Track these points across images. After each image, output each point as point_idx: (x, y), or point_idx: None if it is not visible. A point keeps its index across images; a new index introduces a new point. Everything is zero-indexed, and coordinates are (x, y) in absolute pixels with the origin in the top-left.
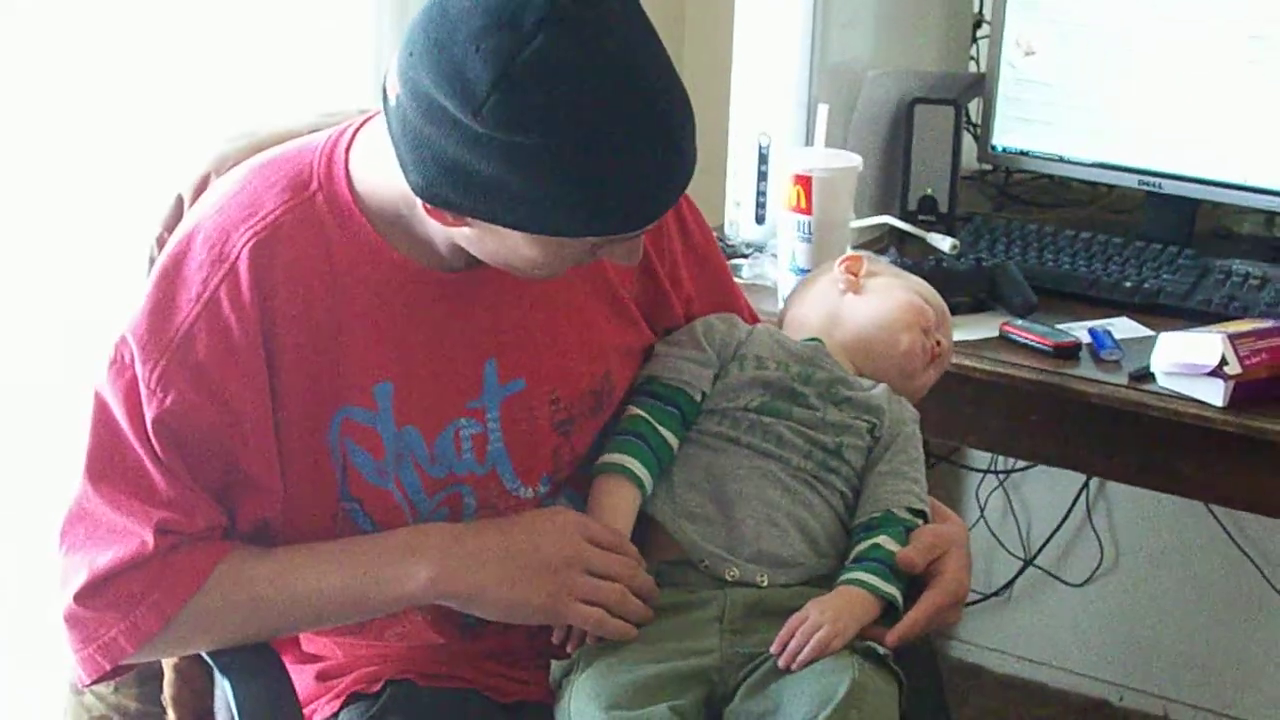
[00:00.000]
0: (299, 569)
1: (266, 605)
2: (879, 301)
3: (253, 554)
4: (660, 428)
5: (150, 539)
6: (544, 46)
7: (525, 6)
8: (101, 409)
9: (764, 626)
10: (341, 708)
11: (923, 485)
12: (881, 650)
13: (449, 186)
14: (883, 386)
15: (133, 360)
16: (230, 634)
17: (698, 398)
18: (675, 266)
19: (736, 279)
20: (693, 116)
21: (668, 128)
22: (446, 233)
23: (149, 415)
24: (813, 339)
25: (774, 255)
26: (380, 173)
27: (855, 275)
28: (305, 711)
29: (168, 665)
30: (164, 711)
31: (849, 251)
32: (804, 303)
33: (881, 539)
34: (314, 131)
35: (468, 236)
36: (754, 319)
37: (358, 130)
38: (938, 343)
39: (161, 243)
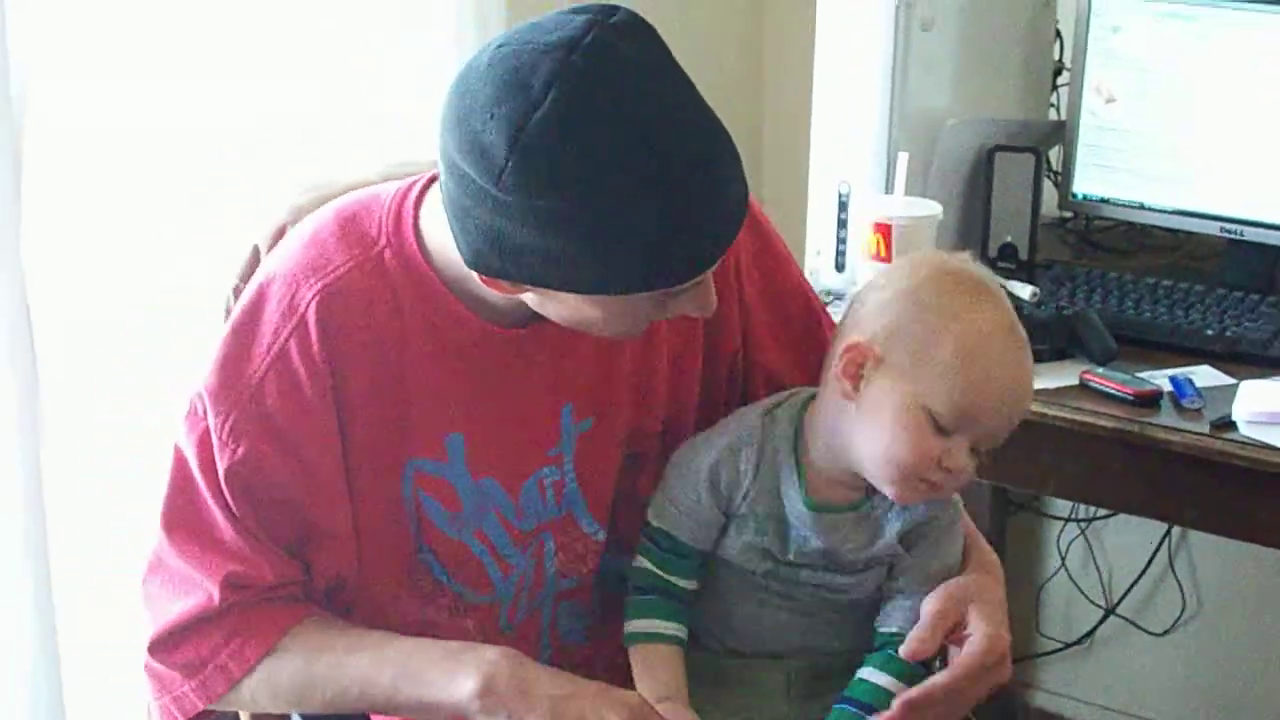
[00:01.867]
0: (360, 654)
1: (324, 684)
2: (869, 428)
3: (322, 629)
4: (672, 578)
5: (217, 593)
6: (553, 108)
7: (535, 69)
8: (178, 461)
9: (830, 690)
10: None
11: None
12: None
13: (495, 256)
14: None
15: (205, 413)
16: (291, 703)
17: (707, 549)
18: (740, 274)
19: None
20: (730, 153)
21: (700, 166)
22: (510, 297)
23: (221, 467)
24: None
25: None
26: (447, 231)
27: (853, 381)
28: None
29: (244, 716)
30: None
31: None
32: (824, 378)
33: (867, 672)
34: (386, 181)
35: (532, 301)
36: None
37: (427, 185)
38: (948, 470)
39: (238, 293)
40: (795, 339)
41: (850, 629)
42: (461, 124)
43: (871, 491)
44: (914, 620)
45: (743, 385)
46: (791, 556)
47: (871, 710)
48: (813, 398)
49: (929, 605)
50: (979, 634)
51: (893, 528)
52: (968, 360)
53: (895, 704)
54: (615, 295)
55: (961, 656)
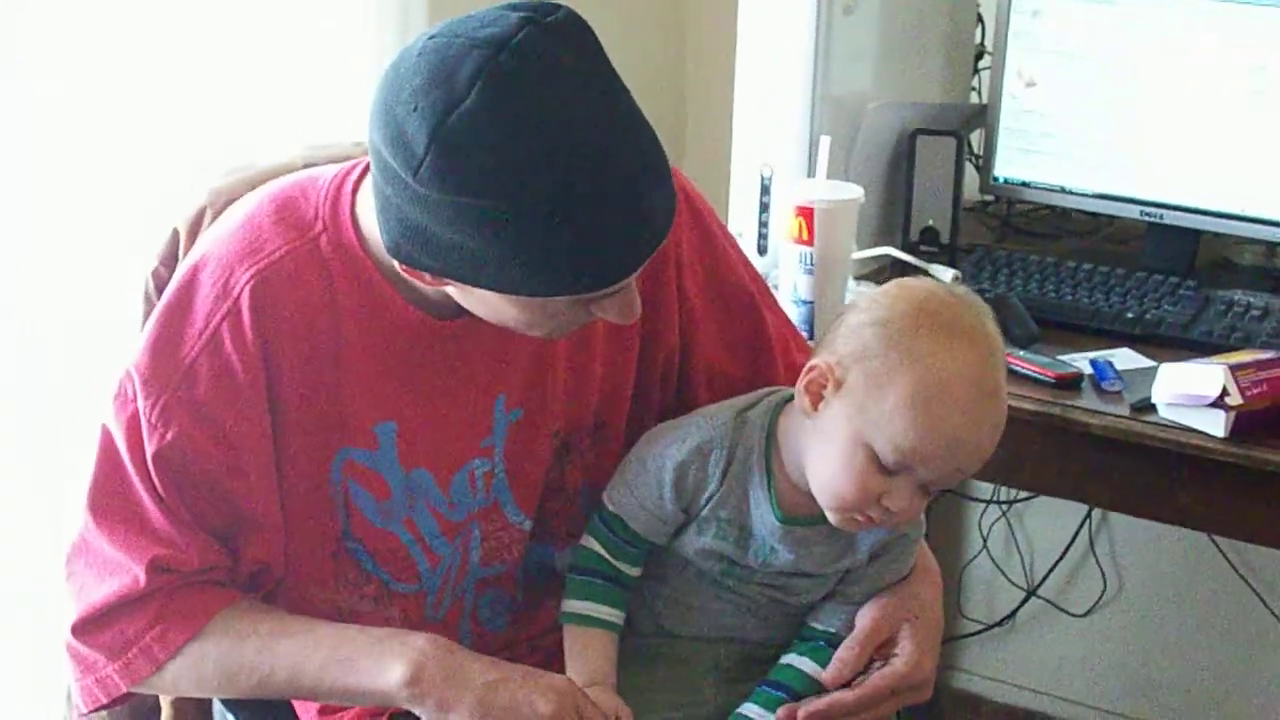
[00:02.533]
0: (286, 639)
1: (249, 669)
2: (819, 451)
3: (249, 614)
4: (619, 564)
5: (142, 576)
6: (475, 106)
7: (462, 64)
8: (106, 442)
9: (759, 674)
10: None
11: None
12: None
13: (413, 247)
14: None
15: (135, 395)
16: (216, 688)
17: (661, 543)
18: (681, 269)
19: None
20: (656, 164)
21: (620, 181)
22: (449, 297)
23: (149, 450)
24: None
25: (776, 286)
26: None
27: (813, 400)
28: None
29: (165, 700)
30: None
31: (855, 287)
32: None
33: (792, 658)
34: (308, 165)
35: (455, 294)
36: (781, 330)
37: (365, 170)
38: (888, 509)
39: (157, 277)
40: (737, 334)
41: (790, 625)
42: (387, 112)
43: None
44: (849, 624)
45: (682, 379)
46: (752, 564)
47: (794, 695)
48: (788, 400)
49: (862, 620)
50: (903, 657)
51: (866, 543)
52: (919, 406)
53: (800, 713)
54: (530, 298)
55: (875, 677)
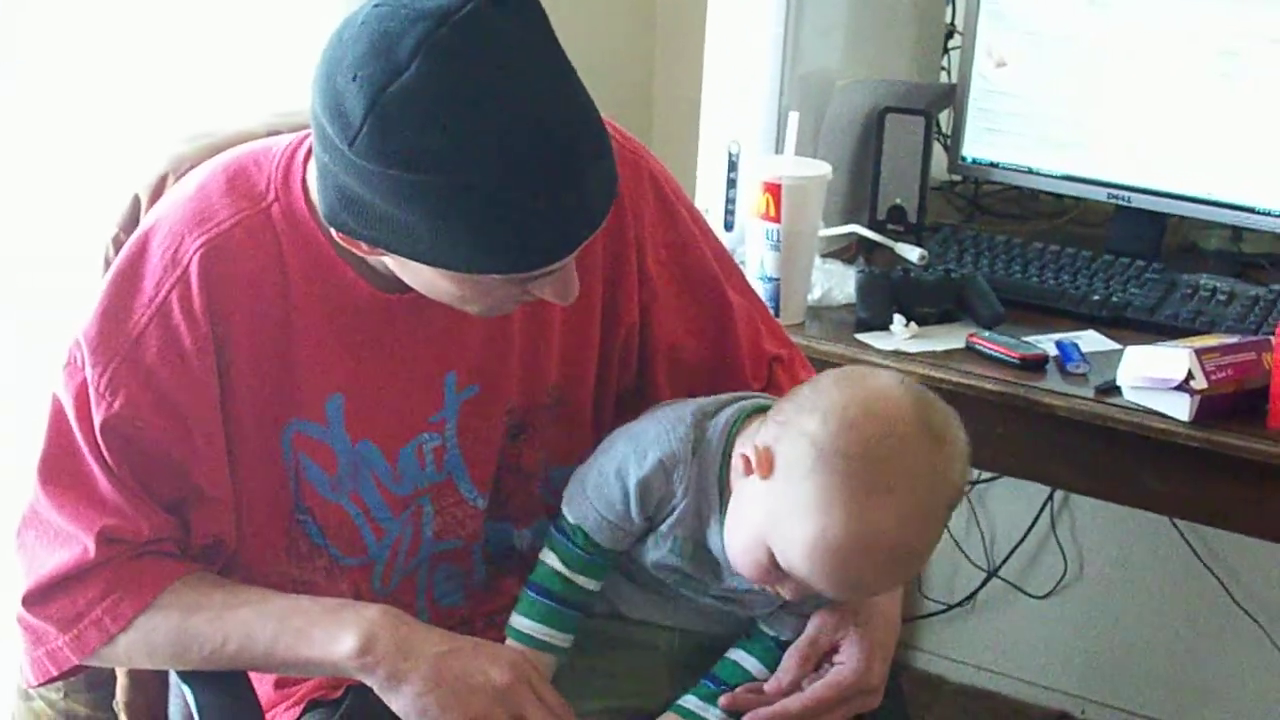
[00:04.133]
0: (238, 610)
1: (201, 640)
2: (734, 516)
3: (200, 585)
4: (578, 578)
5: (92, 546)
6: (414, 78)
7: (403, 36)
8: (56, 412)
9: (712, 662)
10: (301, 715)
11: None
12: None
13: (348, 216)
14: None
15: (84, 363)
16: (167, 659)
17: (622, 550)
18: (643, 248)
19: None
20: (597, 147)
21: (561, 161)
22: (378, 259)
23: (97, 419)
24: None
25: (743, 262)
26: None
27: (745, 468)
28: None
29: (120, 671)
30: (114, 717)
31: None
32: None
33: (739, 654)
34: (272, 132)
35: (393, 266)
36: (747, 313)
37: None
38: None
39: (118, 243)
40: (700, 316)
41: (742, 626)
42: (328, 80)
43: None
44: (800, 630)
45: (642, 360)
46: (705, 580)
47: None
48: (750, 414)
49: (808, 629)
50: (850, 664)
51: None
52: (822, 554)
53: (738, 692)
54: (463, 274)
55: (820, 685)
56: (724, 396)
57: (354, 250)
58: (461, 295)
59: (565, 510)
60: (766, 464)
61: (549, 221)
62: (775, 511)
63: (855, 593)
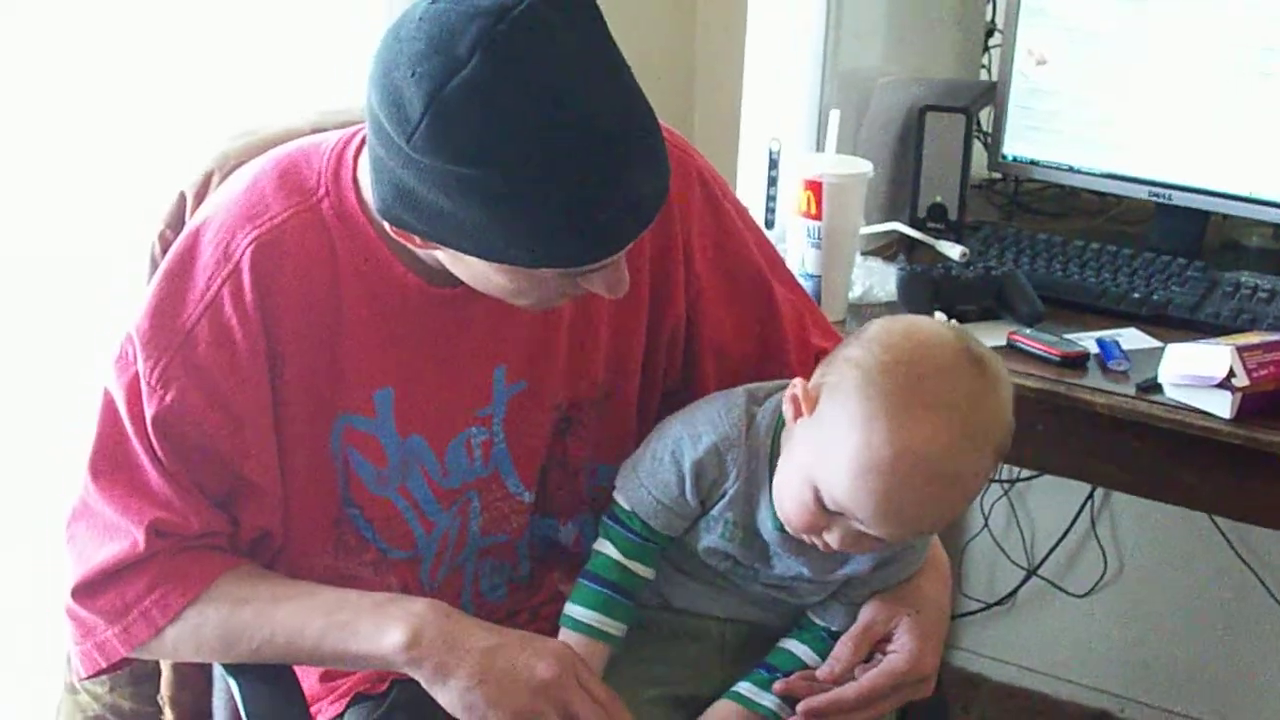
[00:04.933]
0: (285, 604)
1: (248, 634)
2: (783, 467)
3: (248, 579)
4: (634, 564)
5: (142, 539)
6: (473, 75)
7: (462, 32)
8: (107, 405)
9: (762, 653)
10: (346, 708)
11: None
12: None
13: (403, 210)
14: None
15: (136, 357)
16: (215, 652)
17: (676, 536)
18: (689, 246)
19: None
20: (651, 145)
21: (615, 157)
22: (429, 253)
23: (149, 413)
24: None
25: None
26: None
27: (794, 412)
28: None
29: (166, 665)
30: (159, 711)
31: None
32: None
33: (792, 644)
34: (317, 130)
35: (445, 260)
36: (795, 307)
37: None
38: (830, 544)
39: (164, 240)
40: (746, 311)
41: (793, 615)
42: (386, 75)
43: None
44: (851, 621)
45: (688, 355)
46: (757, 566)
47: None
48: None
49: (861, 617)
50: (903, 653)
51: (865, 556)
52: (863, 471)
53: (800, 708)
54: (516, 267)
55: (874, 673)
56: (774, 383)
57: (407, 244)
58: (514, 289)
59: (619, 497)
60: (811, 400)
61: (602, 217)
62: (820, 442)
63: (900, 525)
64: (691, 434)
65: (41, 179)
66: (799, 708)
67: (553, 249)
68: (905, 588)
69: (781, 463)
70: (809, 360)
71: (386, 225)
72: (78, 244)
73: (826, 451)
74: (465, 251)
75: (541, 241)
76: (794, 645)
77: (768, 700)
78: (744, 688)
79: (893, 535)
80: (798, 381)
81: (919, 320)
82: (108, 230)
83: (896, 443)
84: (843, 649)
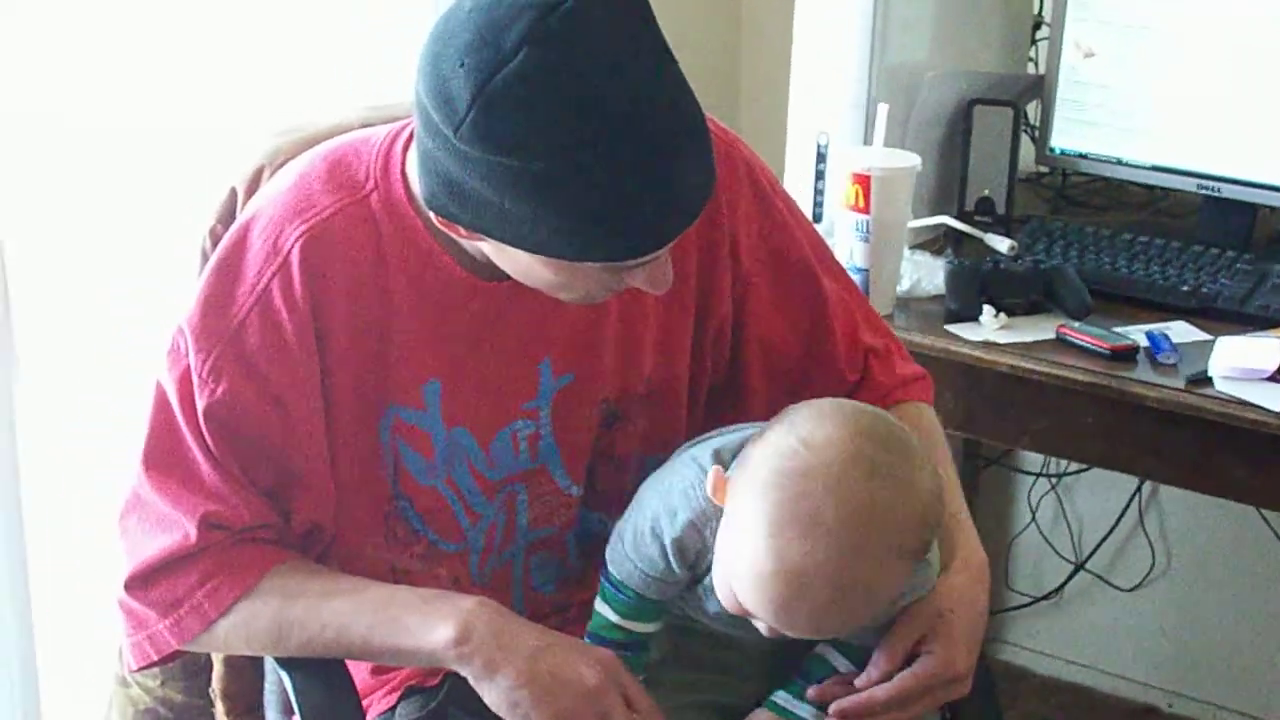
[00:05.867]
0: (336, 598)
1: (299, 627)
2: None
3: (299, 573)
4: (634, 625)
5: (194, 532)
6: (521, 67)
7: (510, 25)
8: (159, 398)
9: (800, 656)
10: (399, 701)
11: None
12: None
13: (450, 201)
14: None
15: (187, 350)
16: (265, 645)
17: (673, 596)
18: (736, 239)
19: None
20: (697, 140)
21: (660, 152)
22: (474, 244)
23: (200, 405)
24: None
25: None
26: None
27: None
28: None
29: (217, 658)
30: (210, 704)
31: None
32: None
33: (827, 650)
34: (365, 125)
35: (490, 251)
36: (845, 304)
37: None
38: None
39: (214, 235)
40: (794, 307)
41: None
42: (434, 66)
43: None
44: (878, 637)
45: (735, 351)
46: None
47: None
48: None
49: (895, 626)
50: (936, 655)
51: None
52: (758, 582)
53: (832, 709)
54: (560, 260)
55: (907, 675)
56: (746, 430)
57: (453, 235)
58: (558, 282)
59: (610, 567)
60: (720, 489)
61: (647, 211)
62: (727, 540)
63: (810, 629)
64: (668, 510)
65: (96, 174)
66: (831, 709)
67: (596, 242)
68: (941, 589)
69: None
70: (858, 358)
71: (432, 216)
72: (131, 239)
73: (730, 552)
74: (509, 243)
75: (585, 235)
76: (829, 652)
77: (803, 710)
78: (780, 697)
79: (809, 635)
80: (715, 469)
81: (831, 416)
82: (160, 225)
83: (778, 561)
84: (879, 656)
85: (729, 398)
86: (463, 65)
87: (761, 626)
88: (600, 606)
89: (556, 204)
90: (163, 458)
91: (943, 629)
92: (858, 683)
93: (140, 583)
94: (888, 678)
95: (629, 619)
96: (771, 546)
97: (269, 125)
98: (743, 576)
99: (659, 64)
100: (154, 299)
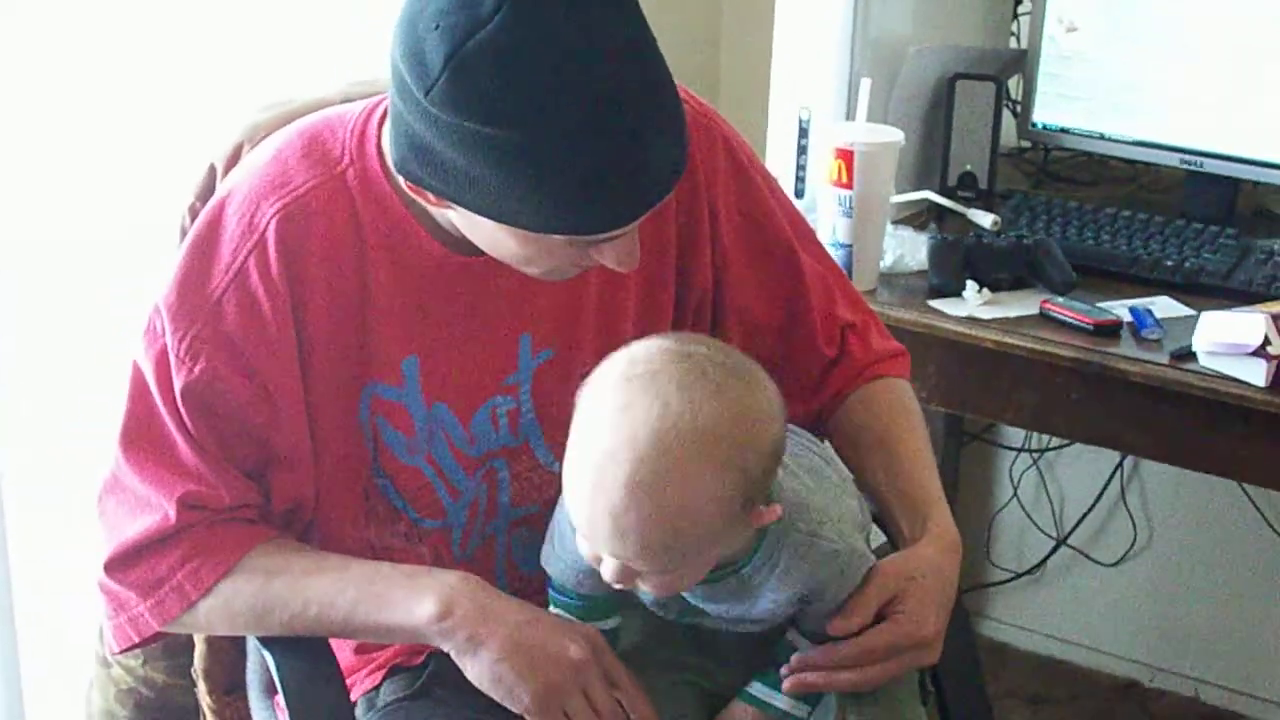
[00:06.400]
0: (318, 576)
1: (281, 606)
2: None
3: (280, 551)
4: (591, 623)
5: (173, 512)
6: (496, 31)
7: None
8: (136, 378)
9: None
10: (383, 680)
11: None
12: None
13: (418, 165)
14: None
15: (164, 330)
16: (248, 625)
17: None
18: (715, 211)
19: None
20: (671, 120)
21: (629, 131)
22: (445, 215)
23: (178, 385)
24: None
25: (814, 229)
26: None
27: None
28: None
29: (199, 639)
30: (192, 684)
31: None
32: None
33: (794, 635)
34: (346, 100)
35: (457, 220)
36: (822, 279)
37: None
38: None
39: (194, 212)
40: (773, 281)
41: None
42: (409, 27)
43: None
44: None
45: (714, 325)
46: (700, 612)
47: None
48: None
49: (866, 585)
50: (906, 614)
51: (772, 596)
52: (573, 482)
53: (793, 660)
54: (526, 231)
55: (872, 632)
56: None
57: (422, 202)
58: (524, 255)
59: (548, 571)
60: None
61: (615, 187)
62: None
63: (622, 544)
64: None
65: (73, 152)
66: (792, 660)
67: (562, 215)
68: (912, 558)
69: None
70: (835, 333)
71: (402, 181)
72: (109, 217)
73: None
74: (476, 211)
75: (551, 206)
76: (796, 638)
77: (779, 701)
78: (756, 689)
79: (626, 555)
80: None
81: (651, 338)
82: (138, 203)
83: (576, 454)
84: (848, 609)
85: None
86: (437, 27)
87: (608, 570)
88: (554, 610)
89: (522, 173)
90: (141, 438)
91: (913, 591)
92: (832, 628)
93: (120, 564)
94: (857, 626)
95: (584, 619)
96: (571, 445)
97: (249, 101)
98: (568, 489)
99: (635, 40)
100: (133, 277)
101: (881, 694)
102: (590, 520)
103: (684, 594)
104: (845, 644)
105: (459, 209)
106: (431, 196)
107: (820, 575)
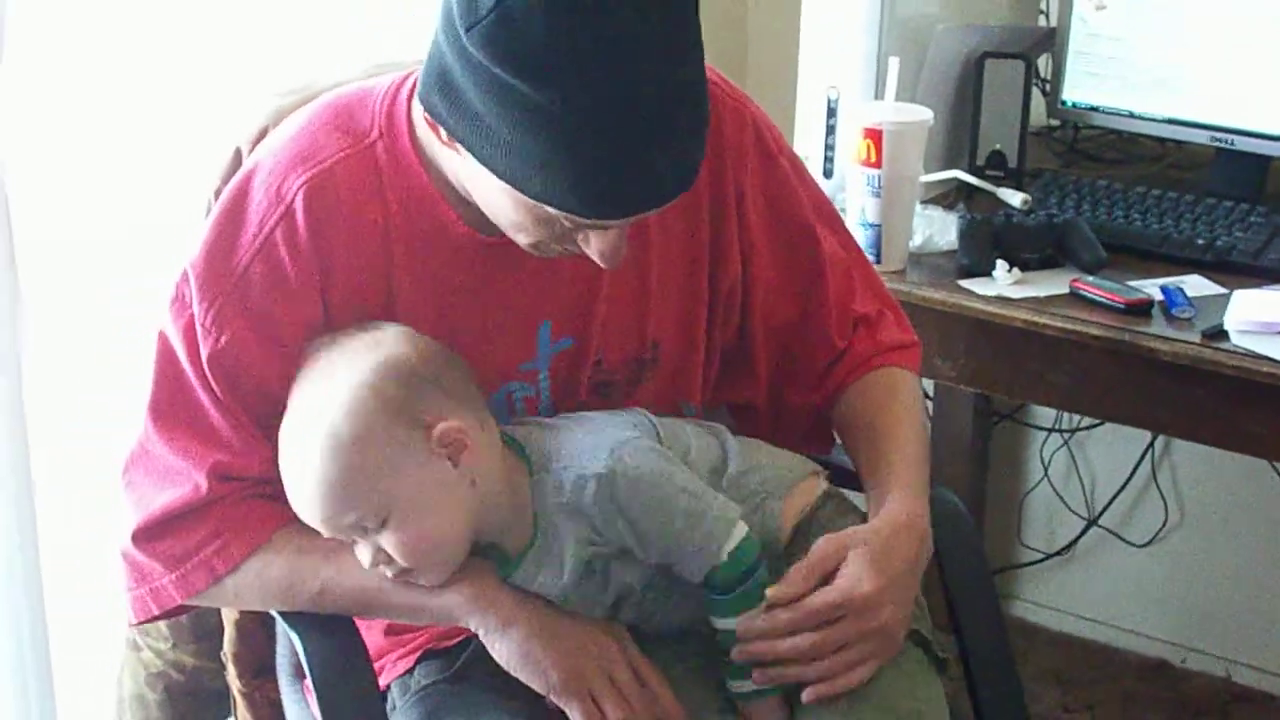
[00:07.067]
0: (348, 554)
1: (309, 584)
2: None
3: (309, 528)
4: None
5: (204, 483)
6: None
7: None
8: (164, 348)
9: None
10: (416, 664)
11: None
12: None
13: (440, 97)
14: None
15: (191, 299)
16: (276, 600)
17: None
18: (742, 192)
19: None
20: (696, 118)
21: (657, 128)
22: (455, 173)
23: (204, 353)
24: None
25: (842, 210)
26: None
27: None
28: (374, 667)
29: (228, 621)
30: (222, 667)
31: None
32: None
33: (724, 620)
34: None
35: (460, 169)
36: (844, 272)
37: None
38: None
39: (219, 195)
40: (796, 271)
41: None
42: None
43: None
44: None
45: (742, 313)
46: (621, 614)
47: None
48: None
49: (813, 550)
50: (844, 578)
51: (571, 554)
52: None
53: (738, 630)
54: (524, 196)
55: (814, 595)
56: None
57: (434, 135)
58: (516, 221)
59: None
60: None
61: (622, 179)
62: None
63: (297, 497)
64: None
65: (99, 138)
66: (737, 629)
67: (558, 188)
68: (856, 530)
69: None
70: (847, 328)
71: (421, 112)
72: (134, 200)
73: None
74: (483, 161)
75: (550, 176)
76: (715, 619)
77: (746, 687)
78: (732, 686)
79: (329, 513)
80: None
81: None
82: (164, 186)
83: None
84: (794, 574)
85: (736, 360)
86: None
87: (362, 555)
88: None
89: (539, 138)
90: (170, 408)
91: (856, 556)
92: (770, 594)
93: (147, 535)
94: (800, 596)
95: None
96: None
97: (272, 85)
98: None
99: (681, 39)
100: (159, 261)
101: (874, 692)
102: (295, 504)
103: (566, 590)
104: (782, 609)
105: (466, 155)
106: (443, 134)
107: (604, 509)
